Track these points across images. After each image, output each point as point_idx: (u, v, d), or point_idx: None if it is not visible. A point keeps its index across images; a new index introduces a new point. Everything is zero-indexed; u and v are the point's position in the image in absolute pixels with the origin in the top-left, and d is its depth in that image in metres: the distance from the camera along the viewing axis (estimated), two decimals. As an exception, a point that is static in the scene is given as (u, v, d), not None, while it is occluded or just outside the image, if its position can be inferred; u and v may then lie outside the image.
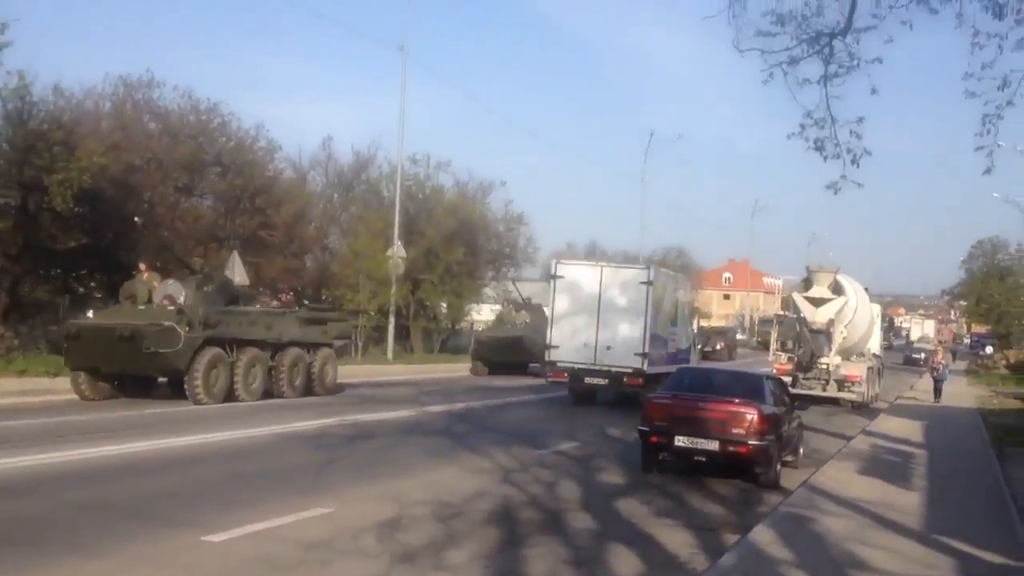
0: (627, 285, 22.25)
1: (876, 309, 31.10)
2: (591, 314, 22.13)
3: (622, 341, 21.89)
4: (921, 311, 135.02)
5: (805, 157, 10.86)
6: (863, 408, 26.87)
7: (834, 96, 9.56)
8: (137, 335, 17.40)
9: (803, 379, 26.33)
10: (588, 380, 22.26)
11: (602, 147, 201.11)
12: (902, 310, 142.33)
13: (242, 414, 17.08)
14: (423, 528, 9.13)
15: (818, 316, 25.76)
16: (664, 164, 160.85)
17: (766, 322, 67.04)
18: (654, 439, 12.73)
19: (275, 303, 35.18)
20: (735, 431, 12.19)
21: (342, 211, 42.78)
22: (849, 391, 26.81)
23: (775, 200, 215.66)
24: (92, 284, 28.37)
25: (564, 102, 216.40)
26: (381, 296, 35.31)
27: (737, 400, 12.57)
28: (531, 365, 31.35)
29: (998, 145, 9.59)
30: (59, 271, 28.03)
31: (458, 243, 40.29)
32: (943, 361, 33.41)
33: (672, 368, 19.77)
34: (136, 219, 27.92)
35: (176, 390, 18.75)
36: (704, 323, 55.84)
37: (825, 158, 9.70)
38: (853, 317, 26.49)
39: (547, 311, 23.63)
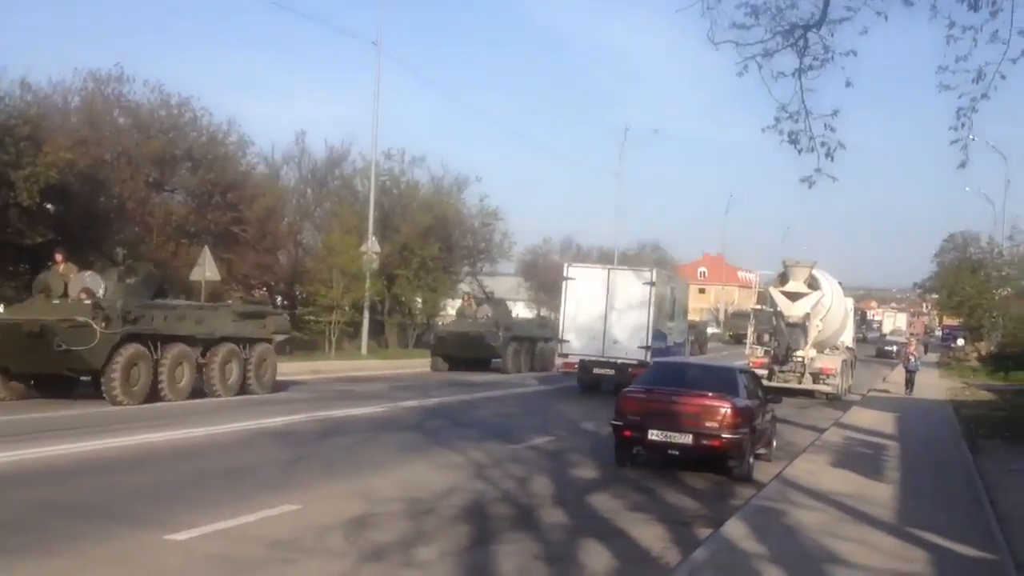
0: (631, 285, 24.47)
1: (850, 303, 31.38)
2: (599, 311, 24.36)
3: (627, 336, 24.16)
4: (893, 304, 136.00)
5: (780, 151, 10.85)
6: (836, 400, 27.26)
7: (809, 89, 9.57)
8: (47, 331, 15.92)
9: (779, 371, 26.93)
10: (596, 371, 24.56)
11: (577, 142, 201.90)
12: (875, 303, 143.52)
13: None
14: (393, 525, 8.99)
15: (794, 310, 26.12)
16: (639, 159, 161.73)
17: (739, 316, 67.41)
18: (628, 433, 12.67)
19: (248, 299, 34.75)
20: (708, 424, 12.17)
21: (316, 206, 42.36)
22: (824, 383, 27.30)
23: (750, 194, 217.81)
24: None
25: (540, 97, 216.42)
26: (355, 291, 35.01)
27: (711, 394, 12.54)
28: (493, 360, 30.97)
29: (972, 139, 9.58)
30: (27, 266, 27.58)
31: (433, 238, 40.18)
32: (915, 353, 33.62)
33: (671, 359, 21.53)
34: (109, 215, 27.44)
35: (99, 390, 17.00)
36: None
37: (800, 151, 9.69)
38: (828, 311, 26.89)
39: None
